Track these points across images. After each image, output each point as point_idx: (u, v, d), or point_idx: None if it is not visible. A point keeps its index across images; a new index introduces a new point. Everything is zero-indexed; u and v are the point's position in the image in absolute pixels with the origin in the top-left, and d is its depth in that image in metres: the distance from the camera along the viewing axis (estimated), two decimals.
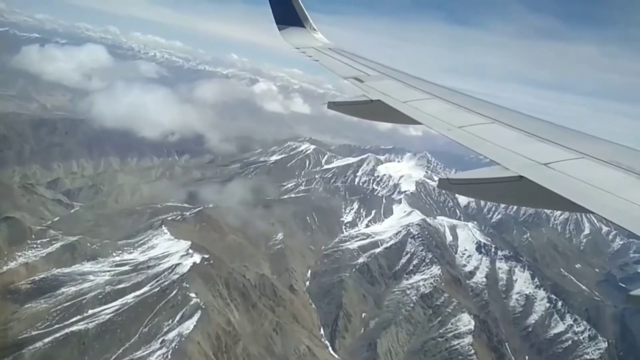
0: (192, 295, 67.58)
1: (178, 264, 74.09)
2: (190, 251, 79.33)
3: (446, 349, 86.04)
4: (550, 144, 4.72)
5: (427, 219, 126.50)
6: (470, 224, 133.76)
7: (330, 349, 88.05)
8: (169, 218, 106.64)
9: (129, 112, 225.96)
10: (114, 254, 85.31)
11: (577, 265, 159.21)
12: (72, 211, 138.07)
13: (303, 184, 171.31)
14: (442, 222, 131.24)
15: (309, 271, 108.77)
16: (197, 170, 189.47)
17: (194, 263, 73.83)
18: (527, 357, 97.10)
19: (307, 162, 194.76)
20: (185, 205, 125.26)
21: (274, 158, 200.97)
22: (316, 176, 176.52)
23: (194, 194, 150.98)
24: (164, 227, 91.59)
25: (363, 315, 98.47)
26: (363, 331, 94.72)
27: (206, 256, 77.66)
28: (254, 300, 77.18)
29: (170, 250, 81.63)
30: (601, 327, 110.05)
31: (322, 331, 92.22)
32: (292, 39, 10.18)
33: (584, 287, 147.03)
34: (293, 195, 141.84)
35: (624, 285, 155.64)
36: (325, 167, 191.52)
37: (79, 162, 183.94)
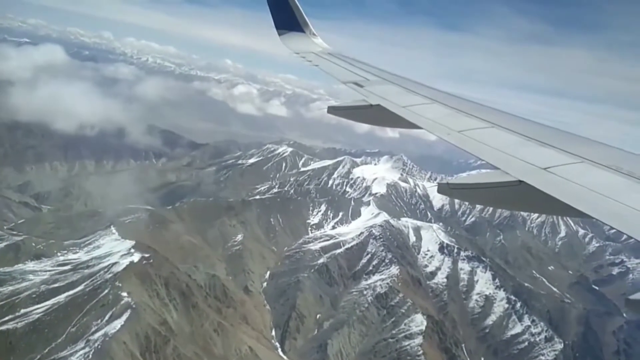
0: (124, 294, 66.40)
1: (115, 263, 73.07)
2: (132, 250, 78.26)
3: (396, 350, 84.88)
4: (550, 148, 4.65)
5: (391, 220, 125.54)
6: (435, 225, 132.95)
7: (279, 350, 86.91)
8: (127, 220, 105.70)
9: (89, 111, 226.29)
10: (59, 254, 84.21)
11: (550, 268, 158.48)
12: (37, 214, 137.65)
13: (276, 186, 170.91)
14: (407, 223, 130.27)
15: (268, 272, 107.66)
16: (173, 173, 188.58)
17: (131, 262, 72.78)
18: (482, 359, 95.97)
19: (284, 165, 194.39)
20: (148, 207, 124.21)
21: (252, 161, 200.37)
22: (290, 179, 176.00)
23: (161, 196, 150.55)
24: (112, 228, 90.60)
25: (318, 316, 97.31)
26: (316, 332, 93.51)
27: (146, 255, 76.56)
28: (194, 301, 75.95)
29: (113, 250, 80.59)
30: (563, 328, 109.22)
31: (273, 332, 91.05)
32: (292, 44, 10.21)
33: (555, 290, 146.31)
34: (258, 197, 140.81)
35: (597, 288, 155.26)
36: (302, 169, 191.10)
37: (52, 164, 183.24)
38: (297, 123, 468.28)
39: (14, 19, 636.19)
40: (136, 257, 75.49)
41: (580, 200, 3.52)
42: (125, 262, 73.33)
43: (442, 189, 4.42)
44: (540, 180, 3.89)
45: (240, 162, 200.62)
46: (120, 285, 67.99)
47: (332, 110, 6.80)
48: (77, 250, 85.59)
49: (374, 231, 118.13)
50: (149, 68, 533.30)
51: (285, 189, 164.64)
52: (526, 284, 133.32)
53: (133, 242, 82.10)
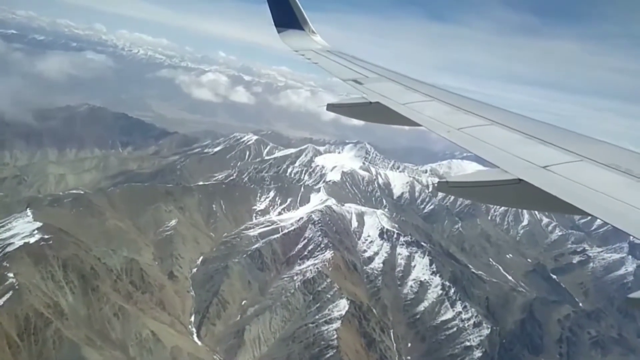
0: (10, 275, 64.85)
1: (10, 244, 71.48)
2: (35, 232, 76.63)
3: (313, 335, 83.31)
4: (549, 146, 4.66)
5: (334, 206, 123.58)
6: (378, 212, 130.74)
7: (195, 335, 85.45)
8: (56, 204, 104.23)
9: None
10: None
11: (509, 256, 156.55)
12: None
13: (235, 174, 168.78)
14: (350, 209, 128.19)
15: (201, 258, 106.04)
16: (135, 161, 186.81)
17: (25, 243, 71.24)
18: (409, 345, 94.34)
19: (248, 153, 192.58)
20: (88, 191, 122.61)
21: (217, 149, 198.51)
22: (250, 167, 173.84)
23: (111, 183, 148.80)
24: (28, 210, 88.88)
25: (243, 302, 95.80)
26: (239, 318, 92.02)
27: (46, 237, 74.90)
28: (95, 284, 74.31)
29: (19, 232, 78.93)
30: (501, 315, 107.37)
31: (192, 318, 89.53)
32: (291, 41, 10.29)
33: (509, 278, 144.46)
34: (201, 184, 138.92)
35: (554, 276, 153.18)
36: (265, 158, 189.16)
37: (12, 152, 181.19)
38: (285, 114, 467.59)
39: (6, 10, 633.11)
40: (34, 238, 73.89)
41: (579, 199, 3.47)
42: (20, 242, 71.77)
43: (442, 187, 4.36)
44: (540, 178, 3.84)
45: (206, 150, 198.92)
46: (7, 265, 66.47)
47: (331, 107, 6.81)
48: None
49: (313, 216, 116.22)
50: (123, 57, 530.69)
51: (243, 176, 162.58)
52: (479, 272, 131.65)
53: (40, 224, 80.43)
